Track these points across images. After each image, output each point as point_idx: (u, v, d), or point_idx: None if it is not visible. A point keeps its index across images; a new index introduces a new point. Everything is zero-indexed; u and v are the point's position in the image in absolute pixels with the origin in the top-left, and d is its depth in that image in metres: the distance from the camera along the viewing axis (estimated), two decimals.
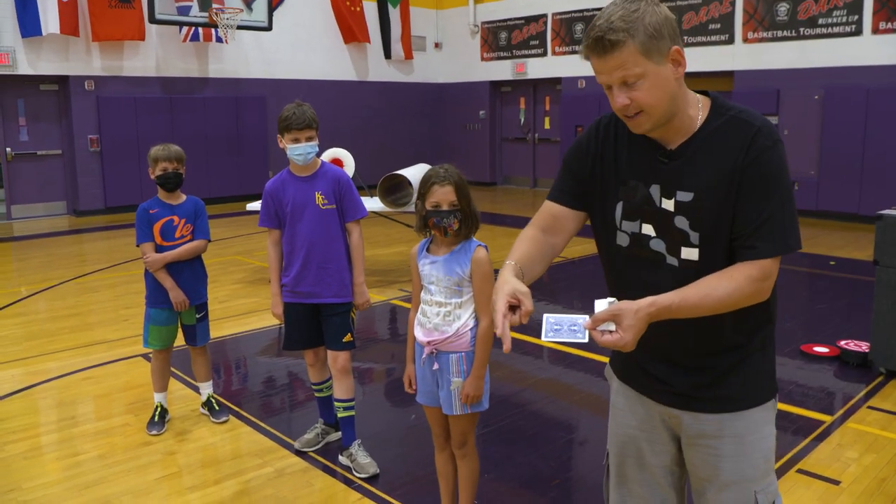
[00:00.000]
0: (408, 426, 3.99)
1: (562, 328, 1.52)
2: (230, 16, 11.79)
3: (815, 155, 10.96)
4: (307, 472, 3.45)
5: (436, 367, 2.68)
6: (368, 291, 3.56)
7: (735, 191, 1.60)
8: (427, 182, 2.63)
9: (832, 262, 8.17)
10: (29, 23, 10.92)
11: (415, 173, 6.78)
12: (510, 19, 15.22)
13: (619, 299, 1.56)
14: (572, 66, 14.05)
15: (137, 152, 11.63)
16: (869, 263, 5.14)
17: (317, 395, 3.72)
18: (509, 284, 1.57)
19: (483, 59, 15.93)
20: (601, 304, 1.54)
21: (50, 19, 10.90)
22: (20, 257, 9.12)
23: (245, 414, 4.13)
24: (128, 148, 11.92)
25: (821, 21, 10.77)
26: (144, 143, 11.08)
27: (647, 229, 1.71)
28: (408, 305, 2.76)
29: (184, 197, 3.92)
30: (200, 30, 12.38)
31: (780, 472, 3.36)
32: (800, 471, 3.39)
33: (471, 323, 2.65)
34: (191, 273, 3.90)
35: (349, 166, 7.47)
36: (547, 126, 15.35)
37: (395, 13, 15.34)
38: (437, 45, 16.71)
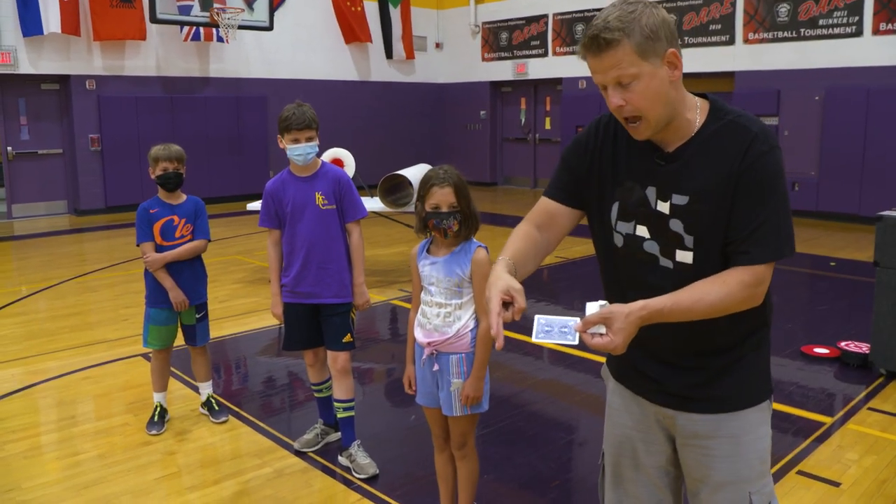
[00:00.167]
0: (407, 427, 3.98)
1: (552, 330, 1.52)
2: (231, 15, 11.80)
3: (816, 156, 10.96)
4: (306, 472, 3.45)
5: (436, 368, 2.68)
6: (368, 292, 3.56)
7: (731, 195, 1.60)
8: (426, 184, 2.63)
9: (832, 264, 8.16)
10: (30, 22, 10.92)
11: (415, 173, 6.78)
12: (511, 19, 15.21)
13: (614, 300, 1.56)
14: (573, 66, 14.04)
15: (138, 152, 11.63)
16: (869, 264, 5.13)
17: (316, 395, 3.72)
18: (503, 281, 1.58)
19: (484, 59, 15.92)
20: (592, 307, 1.54)
21: (51, 18, 10.90)
22: (21, 256, 9.12)
23: (245, 414, 4.13)
24: (129, 147, 11.93)
25: (821, 22, 10.77)
26: (145, 143, 11.09)
27: (642, 231, 1.72)
28: (408, 306, 2.76)
29: (184, 197, 3.92)
30: (201, 29, 12.39)
31: (780, 474, 3.36)
32: (800, 472, 3.39)
33: (471, 324, 2.64)
34: (191, 273, 3.90)
35: (349, 166, 7.47)
36: (547, 126, 15.35)
37: (395, 13, 15.34)
38: (437, 46, 16.71)
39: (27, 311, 6.40)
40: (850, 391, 4.44)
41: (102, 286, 7.30)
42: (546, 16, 14.56)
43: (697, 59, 12.08)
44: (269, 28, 12.67)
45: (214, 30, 12.36)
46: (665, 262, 1.69)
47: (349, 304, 3.46)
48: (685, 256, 1.66)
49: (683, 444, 1.79)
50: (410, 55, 15.76)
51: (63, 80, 11.78)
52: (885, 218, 4.48)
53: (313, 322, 3.47)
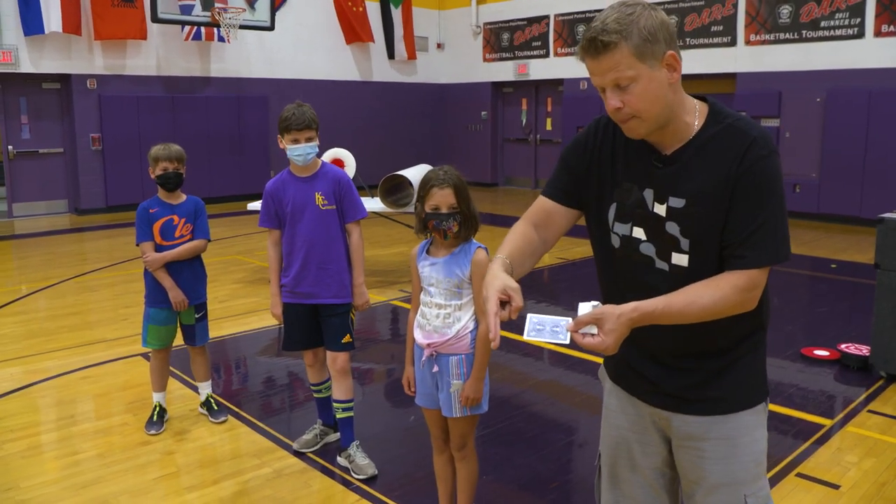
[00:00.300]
0: (407, 427, 3.98)
1: (544, 329, 1.53)
2: (232, 15, 11.81)
3: (817, 157, 10.95)
4: (305, 472, 3.44)
5: (435, 369, 2.68)
6: (368, 292, 3.55)
7: (728, 199, 1.60)
8: (426, 185, 2.62)
9: (833, 266, 8.16)
10: (31, 21, 10.93)
11: (416, 174, 6.78)
12: (513, 20, 15.21)
13: (611, 301, 1.56)
14: (574, 67, 14.03)
15: (139, 151, 11.64)
16: (870, 266, 5.13)
17: (315, 395, 3.72)
18: (499, 280, 1.58)
19: (485, 59, 15.92)
20: (585, 307, 1.55)
21: (52, 18, 10.91)
22: (21, 255, 9.12)
23: (244, 414, 4.13)
24: (129, 147, 11.93)
25: (823, 23, 10.76)
26: (146, 142, 11.07)
27: (638, 233, 1.71)
28: (408, 306, 2.76)
29: (184, 196, 3.92)
30: (203, 29, 12.39)
31: (780, 476, 3.36)
32: (799, 475, 3.38)
33: (471, 325, 2.64)
34: (190, 273, 3.90)
35: (350, 167, 7.47)
36: (549, 127, 15.34)
37: (396, 13, 15.34)
38: (439, 46, 16.71)
39: (27, 311, 6.40)
40: (850, 393, 4.43)
41: (102, 286, 7.30)
42: (547, 16, 14.56)
43: (699, 61, 12.08)
44: (271, 28, 12.68)
45: (216, 29, 12.36)
46: (661, 265, 1.69)
47: (348, 304, 3.45)
48: (681, 259, 1.66)
49: (678, 446, 1.79)
50: (412, 55, 15.76)
51: (64, 79, 11.78)
52: (886, 220, 4.47)
53: (313, 322, 3.47)
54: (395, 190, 6.91)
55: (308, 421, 3.90)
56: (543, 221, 1.85)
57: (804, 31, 10.96)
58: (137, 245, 3.82)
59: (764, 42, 11.43)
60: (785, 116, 11.24)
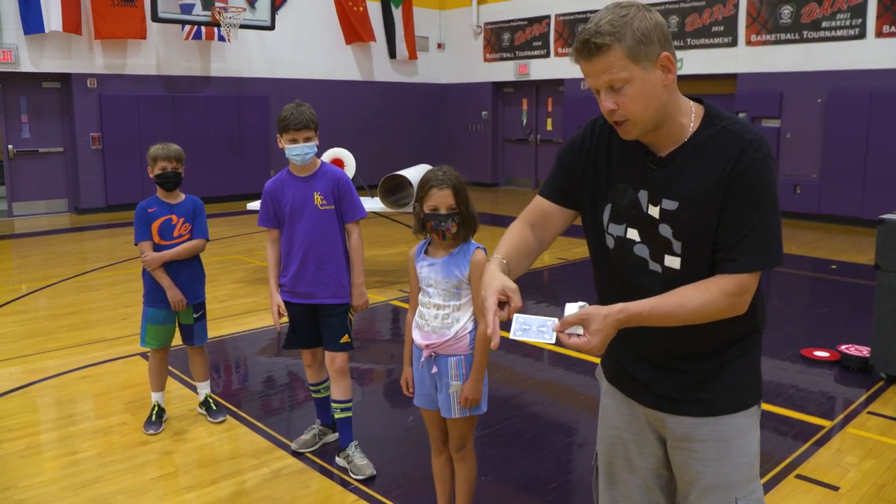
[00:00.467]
0: (405, 428, 3.97)
1: (530, 328, 1.53)
2: (233, 15, 11.81)
3: (818, 158, 10.95)
4: (303, 473, 3.44)
5: (434, 370, 2.67)
6: (367, 292, 3.55)
7: (720, 202, 1.59)
8: (425, 185, 2.62)
9: (834, 266, 8.15)
10: (32, 20, 10.93)
11: (416, 174, 6.77)
12: (513, 20, 15.20)
13: (607, 301, 1.57)
14: (575, 67, 13.87)
15: (139, 151, 11.63)
16: (870, 267, 5.11)
17: (314, 395, 3.71)
18: (498, 280, 1.58)
19: (486, 59, 15.92)
20: (571, 308, 1.55)
21: (52, 17, 10.90)
22: (21, 254, 9.12)
23: (242, 414, 4.12)
24: (129, 146, 11.93)
25: (824, 24, 10.75)
26: (146, 142, 11.07)
27: (632, 234, 1.71)
28: (408, 306, 2.76)
29: (183, 196, 3.91)
30: (203, 28, 12.39)
31: (779, 477, 3.35)
32: (799, 476, 3.37)
33: (470, 326, 2.63)
34: (189, 272, 3.89)
35: (350, 167, 7.47)
36: (549, 127, 15.34)
37: (397, 13, 15.34)
38: (439, 46, 16.70)
39: (27, 310, 6.40)
40: (850, 395, 4.42)
41: (102, 285, 7.30)
42: (548, 17, 14.55)
43: (700, 61, 12.08)
44: (271, 27, 12.68)
45: (216, 29, 12.36)
46: (654, 266, 1.69)
47: (347, 304, 3.44)
48: (673, 262, 1.66)
49: (673, 447, 1.80)
50: (413, 55, 15.75)
51: (64, 78, 11.78)
52: (887, 221, 4.46)
53: (311, 322, 3.46)
54: (394, 190, 6.91)
55: (307, 421, 3.89)
56: (540, 221, 1.85)
57: (805, 32, 10.95)
58: (136, 244, 3.82)
59: (765, 42, 11.42)
60: (786, 117, 11.23)
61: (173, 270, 3.82)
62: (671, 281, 1.64)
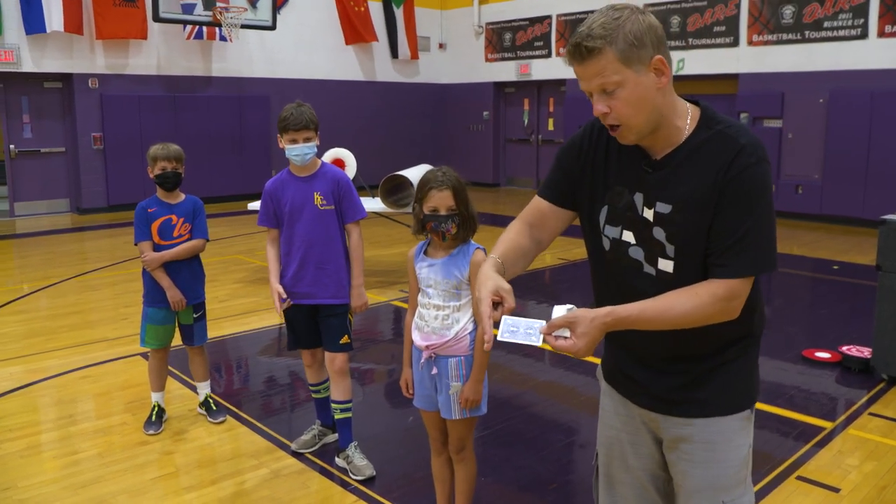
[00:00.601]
0: (405, 428, 3.97)
1: (518, 330, 1.54)
2: (234, 15, 11.81)
3: (820, 158, 10.93)
4: (303, 473, 3.43)
5: (434, 371, 2.66)
6: (368, 293, 3.54)
7: (713, 206, 1.58)
8: (425, 186, 2.61)
9: (835, 267, 8.13)
10: (33, 20, 10.93)
11: (416, 174, 6.77)
12: (515, 20, 15.20)
13: (603, 303, 1.57)
14: None
15: (141, 150, 11.59)
16: (872, 268, 5.10)
17: (314, 396, 3.71)
18: (492, 281, 1.59)
19: (487, 59, 15.91)
20: (559, 311, 1.56)
21: (54, 17, 10.91)
22: (22, 254, 9.13)
23: (242, 414, 4.12)
24: (131, 146, 11.93)
25: (826, 24, 10.73)
26: (148, 142, 11.00)
27: (628, 236, 1.71)
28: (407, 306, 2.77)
29: (182, 196, 3.91)
30: (204, 28, 12.40)
31: (780, 479, 3.34)
32: (799, 477, 3.37)
33: (470, 326, 2.63)
34: (189, 272, 3.89)
35: (351, 167, 7.46)
36: (550, 128, 15.33)
37: (398, 13, 15.34)
38: (441, 46, 16.70)
39: (28, 310, 6.40)
40: (852, 396, 4.42)
41: (103, 285, 7.30)
42: (550, 17, 14.54)
43: (701, 61, 12.06)
44: (272, 27, 12.68)
45: (217, 29, 12.36)
46: (649, 269, 1.69)
47: (347, 305, 3.44)
48: (666, 265, 1.66)
49: (667, 448, 1.80)
50: (415, 55, 15.75)
51: (66, 78, 11.79)
52: (888, 221, 4.45)
53: (311, 322, 3.46)
54: (395, 190, 6.90)
55: (307, 421, 3.89)
56: (538, 222, 1.85)
57: (807, 32, 10.94)
58: (136, 244, 3.82)
59: (766, 42, 11.40)
60: (787, 117, 11.21)
61: (173, 270, 3.82)
62: (665, 284, 1.64)
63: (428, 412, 2.76)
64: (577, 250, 8.58)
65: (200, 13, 11.67)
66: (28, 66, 11.21)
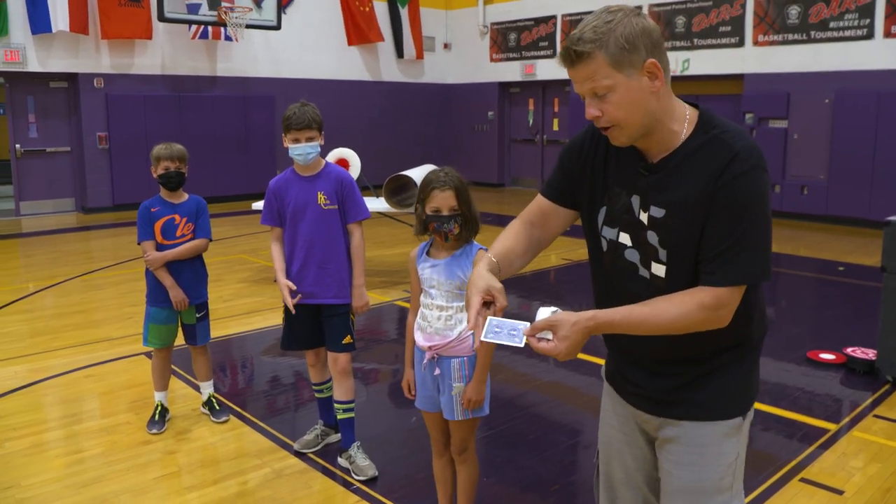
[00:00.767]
0: (408, 428, 3.96)
1: (502, 331, 1.55)
2: (239, 15, 11.82)
3: (825, 159, 10.89)
4: (305, 473, 3.43)
5: (437, 372, 2.66)
6: (371, 293, 3.54)
7: (704, 213, 1.56)
8: (427, 186, 2.61)
9: (841, 268, 8.10)
10: (39, 20, 10.97)
11: (420, 174, 6.76)
12: (520, 20, 15.18)
13: (601, 305, 1.57)
14: None
15: (146, 150, 11.48)
16: (877, 269, 5.08)
17: (317, 395, 3.71)
18: (484, 280, 1.60)
19: (492, 59, 15.90)
20: (544, 312, 1.57)
21: (59, 17, 10.94)
22: (28, 253, 9.16)
23: (245, 414, 4.12)
24: (136, 146, 11.95)
25: (832, 24, 10.69)
26: (153, 141, 11.00)
27: (624, 238, 1.71)
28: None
29: (186, 196, 3.92)
30: (209, 28, 12.41)
31: (783, 481, 3.33)
32: (803, 479, 3.35)
33: None
34: (191, 272, 3.89)
35: (355, 167, 7.45)
36: (556, 128, 15.31)
37: (404, 13, 15.34)
38: (446, 46, 16.69)
39: (33, 308, 6.42)
40: (856, 398, 4.40)
41: (108, 284, 7.31)
42: (555, 17, 14.52)
43: (706, 61, 12.03)
44: (277, 27, 12.68)
45: (222, 29, 12.38)
46: (643, 273, 1.69)
47: (349, 305, 3.44)
48: (659, 270, 1.65)
49: (658, 448, 1.81)
50: (420, 55, 15.75)
51: (71, 78, 11.82)
52: (894, 223, 4.44)
53: (314, 322, 3.46)
54: (399, 190, 6.90)
55: (310, 421, 3.89)
56: (539, 220, 1.86)
57: (813, 32, 10.90)
58: (139, 244, 3.82)
59: (772, 43, 11.36)
60: (793, 118, 11.17)
61: (176, 270, 3.82)
62: (657, 288, 1.63)
63: (430, 413, 2.76)
64: (581, 251, 8.56)
65: (205, 13, 11.68)
66: (34, 65, 11.25)
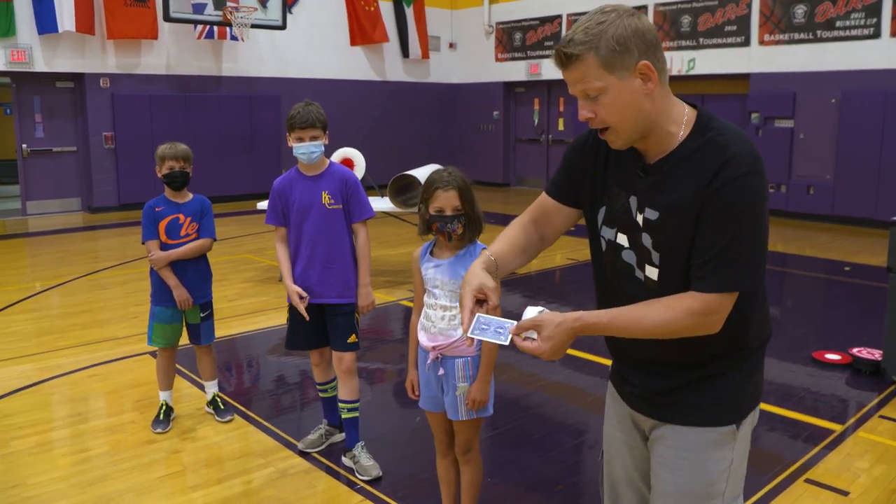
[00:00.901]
0: (412, 428, 3.96)
1: (488, 329, 1.56)
2: (244, 14, 11.85)
3: (831, 159, 10.85)
4: (310, 473, 3.44)
5: (441, 372, 2.66)
6: (376, 292, 3.54)
7: (696, 217, 1.54)
8: (430, 186, 2.61)
9: (847, 268, 8.07)
10: (45, 20, 11.01)
11: (425, 174, 6.75)
12: (525, 20, 15.17)
13: (601, 305, 1.57)
14: None
15: (152, 150, 11.49)
16: (884, 270, 5.06)
17: (321, 395, 3.71)
18: (477, 279, 1.61)
19: (497, 59, 15.89)
20: (531, 312, 1.57)
21: (66, 17, 10.98)
22: (34, 253, 9.20)
23: (250, 413, 4.13)
24: (142, 145, 11.99)
25: (838, 24, 10.65)
26: (158, 141, 11.02)
27: (622, 239, 1.70)
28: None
29: (190, 195, 3.92)
30: (215, 28, 12.44)
31: (788, 482, 3.32)
32: (808, 480, 3.34)
33: None
34: (196, 272, 3.90)
35: (360, 166, 7.47)
36: (561, 127, 15.29)
37: (409, 13, 15.35)
38: (451, 46, 16.69)
39: (39, 308, 6.44)
40: (862, 398, 4.38)
41: (114, 283, 7.34)
42: (560, 16, 14.51)
43: (712, 61, 12.01)
44: (283, 27, 12.71)
45: (228, 28, 12.41)
46: (639, 274, 1.68)
47: (354, 304, 3.44)
48: (652, 272, 1.64)
49: (650, 448, 1.81)
50: (426, 55, 15.75)
51: (77, 78, 11.86)
52: None
53: (318, 322, 3.46)
54: (404, 190, 6.90)
55: (314, 421, 3.90)
56: (543, 218, 1.87)
57: (819, 31, 10.86)
58: (143, 243, 3.83)
59: (778, 42, 11.33)
60: (799, 117, 11.13)
61: (180, 269, 3.83)
62: (651, 291, 1.63)
63: (434, 414, 2.76)
64: (586, 250, 8.51)
65: (211, 13, 11.72)
66: (40, 65, 11.29)
